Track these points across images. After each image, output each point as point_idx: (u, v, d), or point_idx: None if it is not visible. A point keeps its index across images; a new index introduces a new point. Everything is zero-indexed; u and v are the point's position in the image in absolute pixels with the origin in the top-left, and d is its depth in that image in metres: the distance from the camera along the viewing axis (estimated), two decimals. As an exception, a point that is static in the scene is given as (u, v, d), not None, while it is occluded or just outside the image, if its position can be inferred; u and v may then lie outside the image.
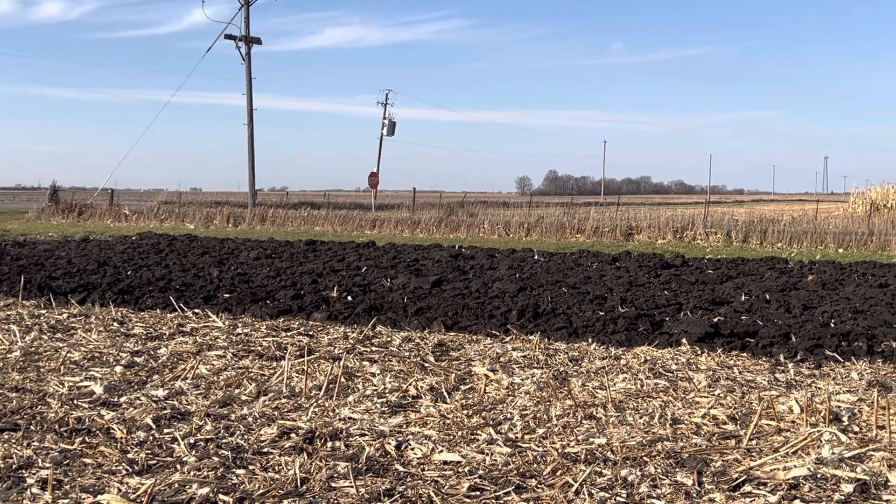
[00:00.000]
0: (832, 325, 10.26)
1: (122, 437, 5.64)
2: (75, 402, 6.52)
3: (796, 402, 6.81)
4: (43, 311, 10.93)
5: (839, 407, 6.75)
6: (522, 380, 7.59)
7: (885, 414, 6.33)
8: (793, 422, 6.38)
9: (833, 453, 5.49)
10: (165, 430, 5.84)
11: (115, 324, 10.05)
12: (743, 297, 12.87)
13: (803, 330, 9.86)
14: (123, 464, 5.15)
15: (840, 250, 25.91)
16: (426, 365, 8.14)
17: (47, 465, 5.09)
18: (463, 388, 7.36)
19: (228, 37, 47.41)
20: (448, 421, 6.25)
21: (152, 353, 8.44)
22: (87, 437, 5.63)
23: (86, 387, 6.98)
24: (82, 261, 16.88)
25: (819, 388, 7.43)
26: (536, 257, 19.39)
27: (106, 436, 5.69)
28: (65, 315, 10.64)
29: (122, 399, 6.64)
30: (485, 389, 7.23)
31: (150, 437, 5.67)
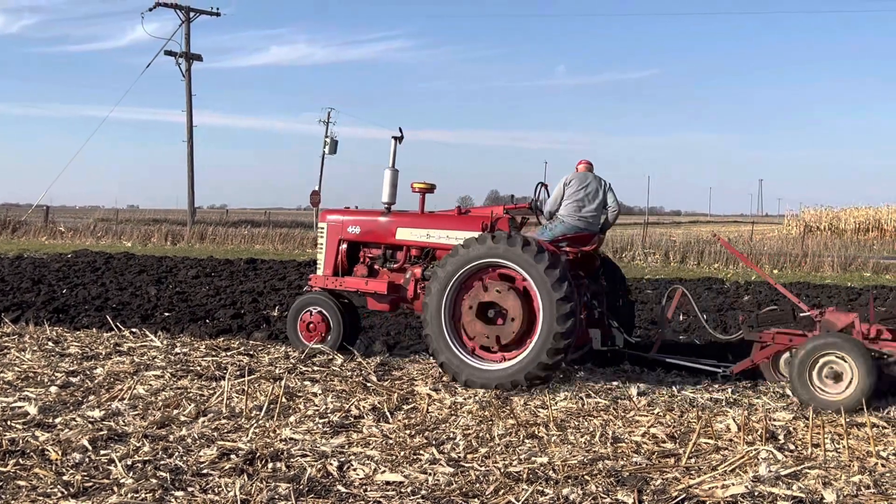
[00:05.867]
0: (768, 345, 10.43)
1: (57, 459, 5.52)
2: (9, 423, 6.35)
3: (734, 420, 6.92)
4: (-26, 330, 10.66)
5: (775, 425, 6.88)
6: (465, 399, 7.60)
7: (821, 432, 6.47)
8: (730, 440, 6.48)
9: (770, 471, 5.58)
10: (102, 452, 5.73)
11: (50, 343, 9.84)
12: (681, 317, 13.05)
13: (740, 349, 10.01)
14: (59, 486, 5.04)
15: (775, 271, 26.41)
16: (368, 384, 8.11)
17: (-21, 488, 4.96)
18: (406, 407, 7.35)
19: (169, 53, 47.03)
20: (391, 441, 6.23)
21: (88, 373, 8.28)
22: (21, 459, 5.50)
23: (20, 407, 6.82)
24: (16, 279, 16.51)
25: (756, 407, 7.56)
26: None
27: (41, 457, 5.56)
28: (-3, 334, 10.38)
29: (58, 420, 6.50)
30: (427, 409, 7.22)
31: (87, 459, 5.56)
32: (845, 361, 7.50)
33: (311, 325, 9.59)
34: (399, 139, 9.68)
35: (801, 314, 8.78)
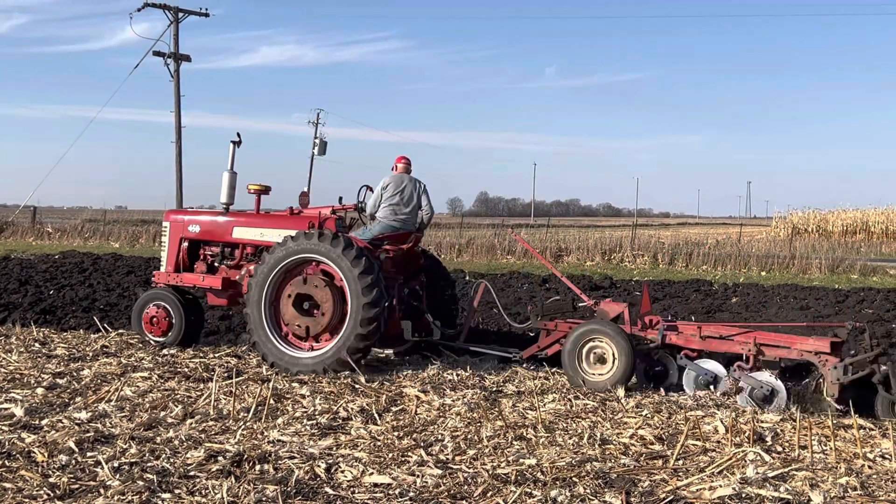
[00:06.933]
0: (756, 347, 10.44)
1: (43, 461, 5.49)
2: (-6, 425, 6.32)
3: (721, 422, 6.94)
4: (-40, 332, 10.60)
5: (763, 427, 6.89)
6: (454, 401, 7.60)
7: (808, 434, 6.48)
8: (718, 442, 6.49)
9: (757, 473, 5.60)
10: (89, 454, 5.70)
11: (37, 344, 9.80)
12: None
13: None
14: (45, 488, 5.01)
15: (763, 273, 26.47)
16: (357, 386, 8.10)
17: (-36, 490, 4.93)
18: (394, 409, 7.34)
19: (157, 53, 46.73)
20: (379, 443, 6.22)
21: (75, 374, 8.25)
22: (6, 461, 5.47)
23: (6, 409, 6.78)
24: (2, 280, 16.42)
25: (743, 409, 7.58)
26: (468, 279, 19.44)
27: (27, 459, 5.53)
28: (-16, 335, 10.32)
29: (44, 422, 6.47)
30: (416, 410, 7.22)
31: (73, 461, 5.53)
32: (607, 345, 8.38)
33: (155, 320, 9.98)
34: (237, 143, 10.35)
35: (580, 304, 9.56)
